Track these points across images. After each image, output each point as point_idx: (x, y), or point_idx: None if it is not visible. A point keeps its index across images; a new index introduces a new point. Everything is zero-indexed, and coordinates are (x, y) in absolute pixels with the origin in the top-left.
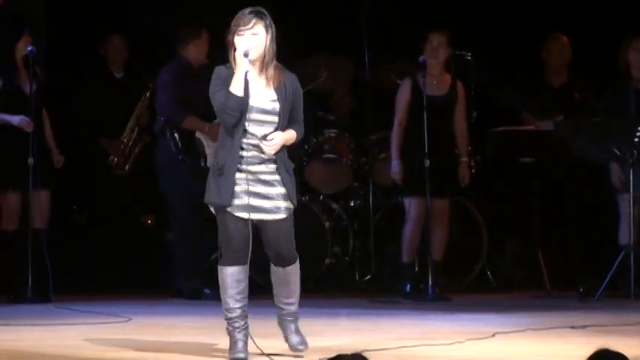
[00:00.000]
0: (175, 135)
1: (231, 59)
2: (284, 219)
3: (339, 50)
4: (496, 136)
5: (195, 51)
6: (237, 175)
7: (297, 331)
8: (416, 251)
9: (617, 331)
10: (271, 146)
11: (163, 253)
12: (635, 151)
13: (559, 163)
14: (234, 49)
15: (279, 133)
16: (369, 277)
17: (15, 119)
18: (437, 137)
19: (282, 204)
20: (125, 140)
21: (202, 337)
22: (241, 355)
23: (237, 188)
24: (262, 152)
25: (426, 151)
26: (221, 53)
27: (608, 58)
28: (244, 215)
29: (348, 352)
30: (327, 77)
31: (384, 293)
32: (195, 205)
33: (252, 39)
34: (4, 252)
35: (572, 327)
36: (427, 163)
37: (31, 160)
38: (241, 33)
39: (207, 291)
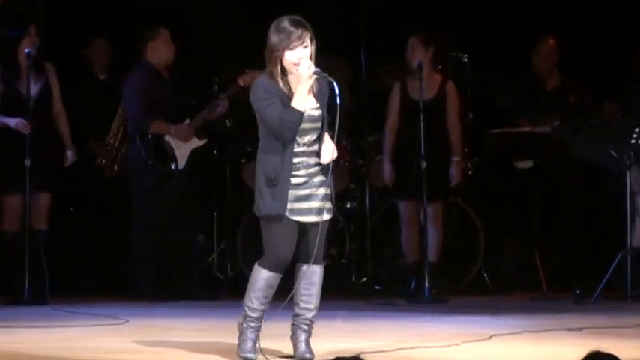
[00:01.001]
0: (144, 141)
1: (273, 70)
2: (328, 220)
3: (337, 52)
4: (493, 138)
5: (152, 53)
6: (291, 181)
7: (307, 343)
8: (417, 250)
9: (614, 334)
10: (332, 159)
11: (163, 254)
12: (632, 153)
13: (557, 164)
14: (280, 61)
15: (330, 141)
16: (365, 279)
17: (12, 122)
18: (427, 140)
19: (328, 205)
20: (112, 142)
21: (200, 338)
22: (251, 355)
23: (290, 193)
24: (310, 157)
25: (422, 153)
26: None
27: (608, 58)
28: (298, 219)
29: (346, 354)
30: None
31: (381, 295)
32: (168, 209)
33: (305, 52)
34: (4, 253)
35: (569, 329)
36: (424, 165)
37: (27, 162)
38: (292, 47)
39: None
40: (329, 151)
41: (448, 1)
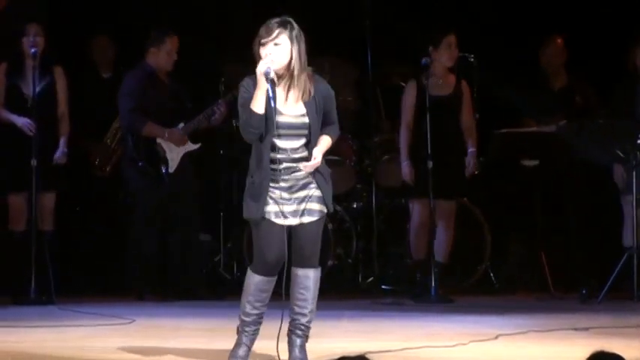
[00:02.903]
0: (136, 142)
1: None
2: (315, 221)
3: (342, 52)
4: (499, 137)
5: (154, 58)
6: (272, 186)
7: (302, 348)
8: (425, 250)
9: (620, 334)
10: (312, 167)
11: (167, 255)
12: (638, 153)
13: (562, 164)
14: (259, 61)
15: (318, 150)
16: (372, 278)
17: (19, 120)
18: (444, 138)
19: (316, 206)
20: (108, 141)
21: (206, 339)
22: None
23: (272, 196)
24: (297, 162)
25: (429, 152)
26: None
27: (610, 59)
28: (279, 221)
29: (352, 354)
30: (330, 79)
31: (387, 295)
32: (164, 209)
33: (275, 50)
34: (11, 253)
35: (575, 329)
36: (430, 164)
37: (34, 162)
38: (264, 43)
39: (149, 296)
40: (313, 160)
41: (451, 2)
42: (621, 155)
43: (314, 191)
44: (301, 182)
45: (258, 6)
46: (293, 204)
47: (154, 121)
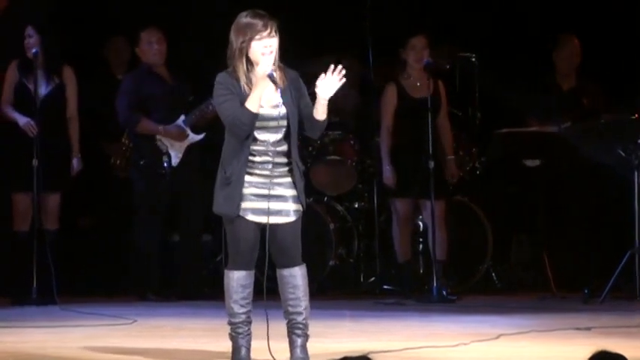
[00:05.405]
0: (136, 140)
1: (238, 65)
2: (292, 222)
3: (344, 51)
4: (500, 137)
5: (142, 55)
6: (247, 178)
7: (303, 348)
8: (409, 250)
9: (622, 333)
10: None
11: (169, 255)
12: None
13: (564, 164)
14: (245, 55)
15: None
16: (373, 278)
17: (22, 120)
18: (426, 139)
19: (293, 206)
20: (126, 142)
21: (207, 339)
22: None
23: (246, 191)
24: (275, 156)
25: (431, 152)
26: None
27: (614, 60)
28: (254, 218)
29: (354, 354)
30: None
31: (389, 295)
32: (160, 208)
33: (272, 41)
34: (15, 253)
35: (577, 329)
36: (431, 164)
37: (35, 162)
38: (260, 38)
39: (151, 297)
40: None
41: (454, 1)
42: (623, 155)
43: (289, 190)
44: (279, 179)
45: (258, 4)
46: (267, 201)
47: (153, 117)
